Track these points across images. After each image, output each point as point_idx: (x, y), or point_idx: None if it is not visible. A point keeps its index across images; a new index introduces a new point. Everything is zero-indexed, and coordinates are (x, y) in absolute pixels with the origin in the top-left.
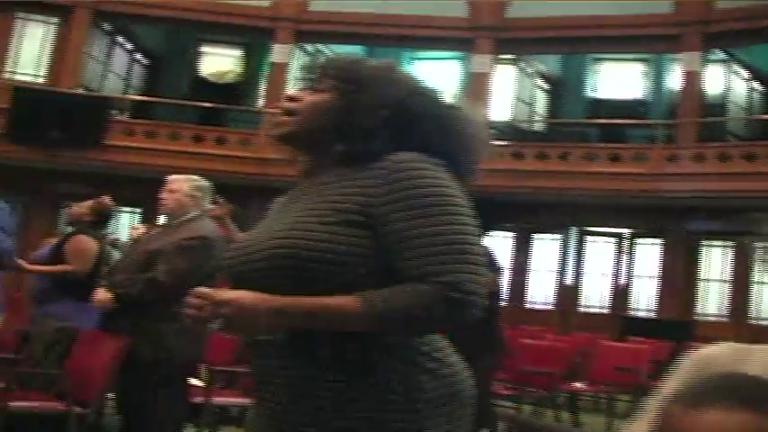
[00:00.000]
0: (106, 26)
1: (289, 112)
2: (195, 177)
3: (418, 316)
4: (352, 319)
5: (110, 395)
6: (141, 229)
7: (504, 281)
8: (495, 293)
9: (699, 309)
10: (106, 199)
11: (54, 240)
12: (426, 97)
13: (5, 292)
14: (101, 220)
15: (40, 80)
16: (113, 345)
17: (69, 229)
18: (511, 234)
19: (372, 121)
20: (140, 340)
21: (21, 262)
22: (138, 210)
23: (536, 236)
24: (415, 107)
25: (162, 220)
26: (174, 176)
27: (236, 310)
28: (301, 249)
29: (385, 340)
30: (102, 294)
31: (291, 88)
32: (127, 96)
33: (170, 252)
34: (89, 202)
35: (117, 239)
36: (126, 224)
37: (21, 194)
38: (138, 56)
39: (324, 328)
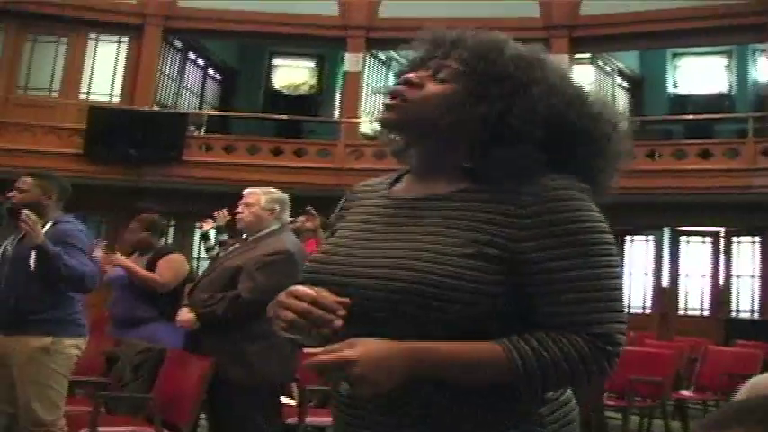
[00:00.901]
0: (177, 43)
1: (400, 97)
2: (272, 190)
3: (570, 371)
4: (493, 370)
5: (203, 416)
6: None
7: None
8: None
9: None
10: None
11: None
12: (589, 110)
13: (91, 313)
14: (160, 234)
15: (115, 99)
16: (201, 365)
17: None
18: None
19: (522, 134)
20: (226, 360)
21: (114, 257)
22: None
23: (628, 238)
24: (575, 124)
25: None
26: (250, 189)
27: (368, 368)
28: (428, 286)
29: None
30: (185, 314)
31: (366, 97)
32: (203, 112)
33: (252, 268)
34: (135, 225)
35: None
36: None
37: (104, 214)
38: (211, 71)
39: (455, 379)
